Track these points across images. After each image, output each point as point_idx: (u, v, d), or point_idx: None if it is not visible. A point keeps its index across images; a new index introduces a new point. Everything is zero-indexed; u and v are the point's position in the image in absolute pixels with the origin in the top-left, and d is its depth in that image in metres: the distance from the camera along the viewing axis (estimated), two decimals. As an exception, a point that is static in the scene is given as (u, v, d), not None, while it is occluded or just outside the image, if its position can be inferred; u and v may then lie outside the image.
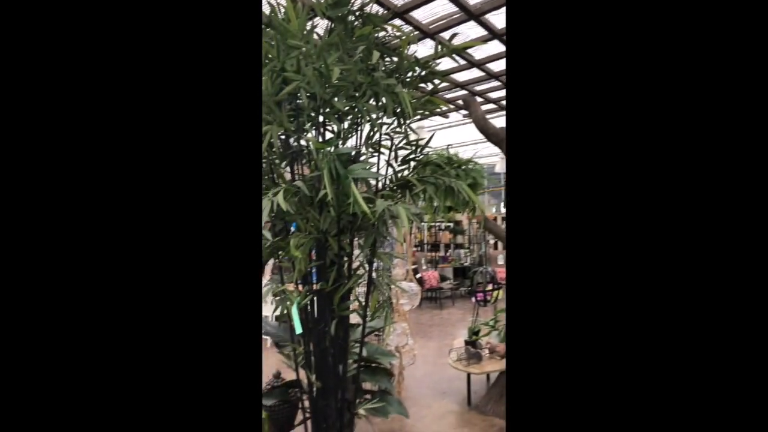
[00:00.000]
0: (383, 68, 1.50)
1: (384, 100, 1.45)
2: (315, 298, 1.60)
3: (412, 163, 1.67)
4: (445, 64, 1.99)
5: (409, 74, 1.54)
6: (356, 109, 1.50)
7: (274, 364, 2.75)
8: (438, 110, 3.56)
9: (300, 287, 1.63)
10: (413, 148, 1.65)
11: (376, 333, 2.57)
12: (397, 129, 1.60)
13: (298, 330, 1.46)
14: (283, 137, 1.59)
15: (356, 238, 1.68)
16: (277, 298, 1.56)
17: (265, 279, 2.50)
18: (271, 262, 1.95)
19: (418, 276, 5.85)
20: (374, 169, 1.53)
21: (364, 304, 1.67)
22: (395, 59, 1.52)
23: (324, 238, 1.54)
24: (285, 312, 1.61)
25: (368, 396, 2.00)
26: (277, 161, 1.55)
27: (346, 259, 1.64)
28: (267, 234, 1.15)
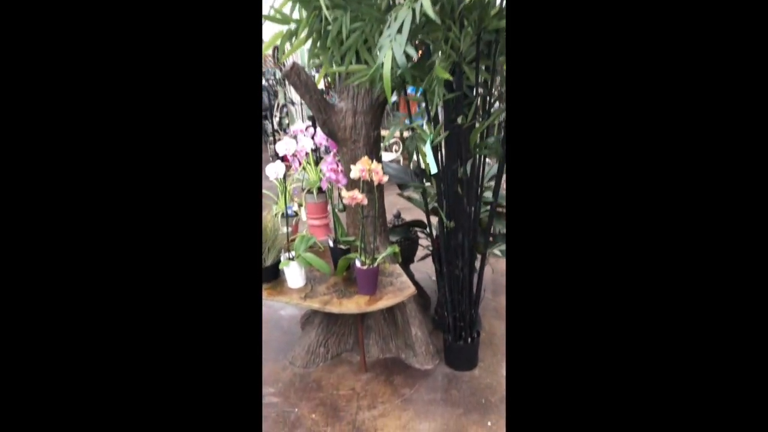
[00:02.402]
0: None
1: None
2: (447, 137, 1.45)
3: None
4: None
5: None
6: None
7: (392, 202, 2.83)
8: None
9: (419, 128, 1.47)
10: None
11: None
12: None
13: (433, 170, 1.36)
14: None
15: (498, 67, 1.40)
16: (394, 140, 1.44)
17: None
18: (393, 97, 1.78)
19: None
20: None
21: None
22: None
23: (460, 65, 1.30)
24: (412, 153, 1.51)
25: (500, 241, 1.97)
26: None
27: (482, 91, 1.40)
28: (412, 52, 0.95)
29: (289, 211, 2.05)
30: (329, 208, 2.04)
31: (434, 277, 2.61)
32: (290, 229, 1.93)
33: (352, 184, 1.65)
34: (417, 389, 1.65)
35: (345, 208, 1.88)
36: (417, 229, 2.34)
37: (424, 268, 2.70)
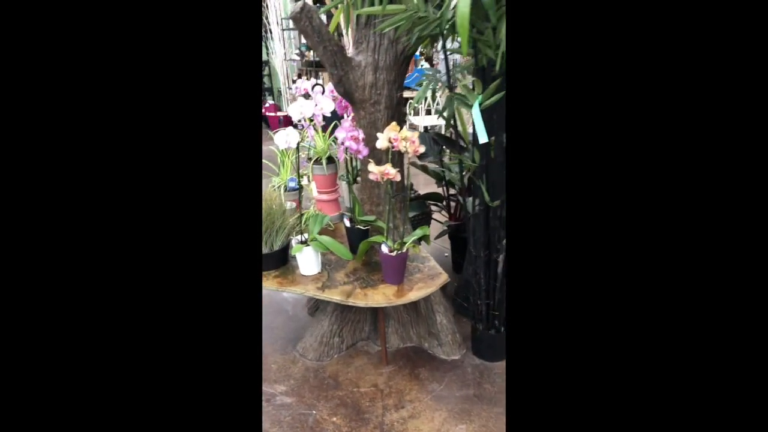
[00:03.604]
0: None
1: None
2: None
3: None
4: None
5: None
6: None
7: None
8: None
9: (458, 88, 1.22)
10: None
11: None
12: None
13: (483, 138, 1.12)
14: None
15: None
16: (414, 105, 1.19)
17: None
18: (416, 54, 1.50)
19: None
20: None
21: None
22: None
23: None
24: (450, 117, 1.26)
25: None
26: None
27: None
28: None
29: (290, 185, 1.79)
30: (338, 180, 1.79)
31: (446, 254, 2.43)
32: (294, 205, 1.68)
33: (374, 155, 1.40)
34: (447, 384, 1.49)
35: (356, 180, 1.63)
36: (431, 202, 2.13)
37: (433, 243, 2.52)
